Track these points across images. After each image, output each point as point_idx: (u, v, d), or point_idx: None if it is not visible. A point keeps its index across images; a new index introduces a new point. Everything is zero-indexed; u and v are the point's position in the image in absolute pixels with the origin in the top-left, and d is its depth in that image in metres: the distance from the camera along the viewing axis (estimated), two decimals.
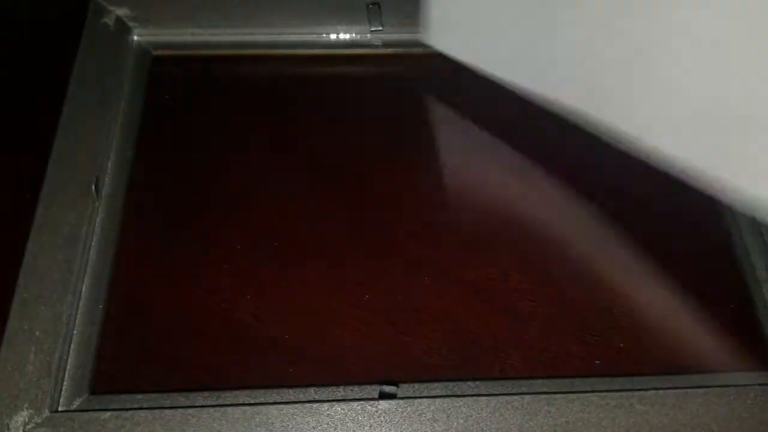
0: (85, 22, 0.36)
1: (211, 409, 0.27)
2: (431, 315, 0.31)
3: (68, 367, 0.28)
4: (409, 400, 0.27)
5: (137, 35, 0.37)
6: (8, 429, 0.26)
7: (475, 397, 0.27)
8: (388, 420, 0.27)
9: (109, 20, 0.36)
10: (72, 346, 0.29)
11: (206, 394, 0.28)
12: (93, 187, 0.32)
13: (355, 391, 0.28)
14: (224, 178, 0.34)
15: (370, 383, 0.28)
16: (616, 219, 0.33)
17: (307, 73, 0.38)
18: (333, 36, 0.39)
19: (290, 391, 0.28)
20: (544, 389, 0.28)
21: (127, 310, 0.31)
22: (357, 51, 0.39)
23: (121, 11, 0.37)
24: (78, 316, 0.29)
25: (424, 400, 0.27)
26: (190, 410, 0.27)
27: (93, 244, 0.31)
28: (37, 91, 0.35)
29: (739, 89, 0.25)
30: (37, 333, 0.28)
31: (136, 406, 0.27)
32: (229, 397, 0.28)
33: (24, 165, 0.32)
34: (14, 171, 0.33)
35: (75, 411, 0.27)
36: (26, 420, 0.27)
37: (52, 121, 0.33)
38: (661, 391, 0.28)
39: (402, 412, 0.27)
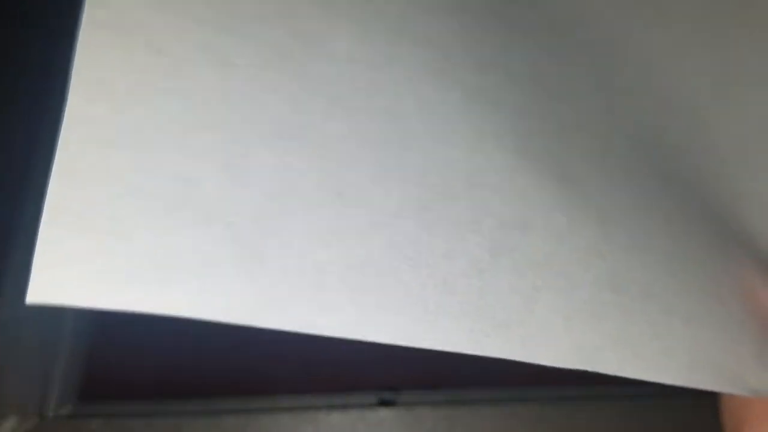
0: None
1: (204, 417, 0.26)
2: None
3: (57, 373, 0.28)
4: (410, 408, 0.27)
5: None
6: None
7: (477, 405, 0.27)
8: (388, 428, 0.26)
9: None
10: (61, 351, 0.28)
11: (199, 401, 0.27)
12: None
13: (354, 397, 0.27)
14: None
15: (369, 389, 0.28)
16: None
17: None
18: None
19: (286, 397, 0.27)
20: (550, 397, 0.27)
21: (117, 315, 0.30)
22: None
23: None
24: (67, 321, 0.29)
25: (425, 407, 0.27)
26: (182, 418, 0.26)
27: None
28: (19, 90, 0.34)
29: None
30: (26, 338, 0.28)
31: (126, 413, 0.27)
32: (222, 404, 0.27)
33: (13, 162, 0.32)
34: (3, 171, 0.32)
35: (64, 418, 0.27)
36: (14, 427, 0.26)
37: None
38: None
39: (402, 419, 0.26)
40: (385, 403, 0.27)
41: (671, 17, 0.23)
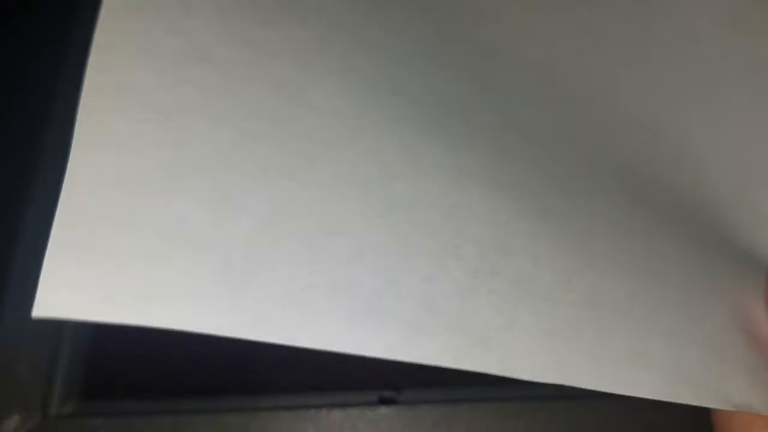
0: None
1: (206, 415, 0.26)
2: None
3: (60, 371, 0.28)
4: (410, 406, 0.27)
5: None
6: None
7: (478, 403, 0.27)
8: (389, 426, 0.26)
9: None
10: (64, 350, 0.28)
11: (201, 399, 0.27)
12: None
13: (355, 396, 0.27)
14: None
15: (370, 388, 0.28)
16: None
17: None
18: None
19: (287, 396, 0.27)
20: (550, 394, 0.27)
21: None
22: None
23: None
24: (71, 320, 0.29)
25: (426, 405, 0.27)
26: (183, 416, 0.26)
27: None
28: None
29: None
30: (29, 336, 0.28)
31: (128, 411, 0.27)
32: (224, 402, 0.27)
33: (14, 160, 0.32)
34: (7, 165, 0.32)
35: (67, 417, 0.27)
36: (17, 425, 0.26)
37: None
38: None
39: (402, 417, 0.26)
40: (385, 402, 0.27)
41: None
